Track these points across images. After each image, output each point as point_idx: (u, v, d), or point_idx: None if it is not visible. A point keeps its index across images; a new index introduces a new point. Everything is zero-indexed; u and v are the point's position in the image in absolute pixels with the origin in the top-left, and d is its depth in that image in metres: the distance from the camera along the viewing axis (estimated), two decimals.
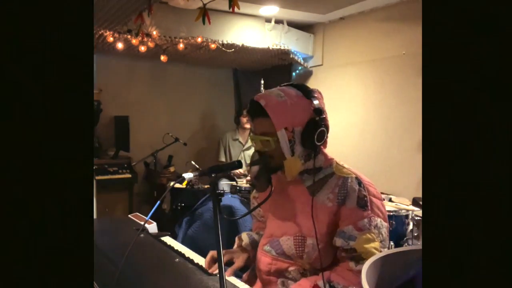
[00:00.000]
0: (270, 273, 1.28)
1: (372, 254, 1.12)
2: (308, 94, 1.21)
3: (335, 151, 1.31)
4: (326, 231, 1.18)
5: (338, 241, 1.16)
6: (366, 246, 1.13)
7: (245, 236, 1.43)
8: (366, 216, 1.15)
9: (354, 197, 1.16)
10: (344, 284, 1.12)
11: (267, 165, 1.22)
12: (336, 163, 1.26)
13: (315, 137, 1.17)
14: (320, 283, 1.12)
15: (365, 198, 1.16)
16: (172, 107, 4.73)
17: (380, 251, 1.14)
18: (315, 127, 1.17)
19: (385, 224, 1.18)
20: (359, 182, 1.19)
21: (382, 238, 1.16)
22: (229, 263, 1.34)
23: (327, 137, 1.22)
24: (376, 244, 1.14)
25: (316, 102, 1.20)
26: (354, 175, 1.20)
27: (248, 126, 3.87)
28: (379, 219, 1.16)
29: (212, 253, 1.31)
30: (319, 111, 1.18)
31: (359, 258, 1.13)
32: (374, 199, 1.18)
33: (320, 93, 1.26)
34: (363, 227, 1.14)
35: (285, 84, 1.28)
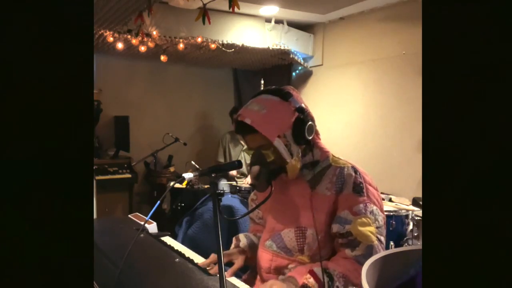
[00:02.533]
0: (270, 270, 1.28)
1: (368, 237, 1.14)
2: (285, 96, 1.22)
3: (335, 151, 1.32)
4: (325, 220, 1.20)
5: (335, 227, 1.18)
6: (361, 229, 1.14)
7: (242, 237, 1.44)
8: (362, 202, 1.17)
9: (350, 184, 1.19)
10: (340, 271, 1.13)
11: (270, 171, 1.24)
12: (332, 155, 1.30)
13: (306, 133, 1.20)
14: (316, 269, 1.13)
15: (361, 185, 1.19)
16: (172, 107, 4.73)
17: (377, 237, 1.15)
18: (302, 125, 1.20)
19: (382, 214, 1.20)
20: (355, 170, 1.23)
21: (378, 225, 1.17)
22: (228, 264, 1.34)
23: (316, 128, 1.26)
24: (371, 228, 1.15)
25: (295, 102, 1.22)
26: (350, 165, 1.24)
27: None
28: (375, 207, 1.19)
29: (213, 256, 1.31)
30: (301, 109, 1.21)
31: (355, 243, 1.14)
32: (370, 187, 1.21)
33: (294, 89, 1.29)
34: (358, 212, 1.16)
35: (258, 92, 1.29)
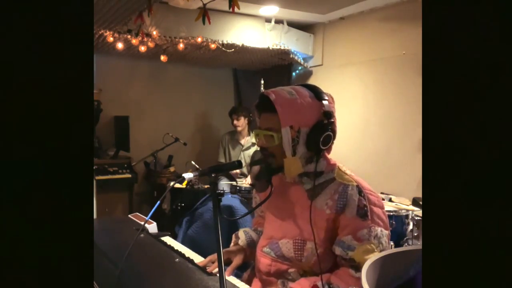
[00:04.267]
0: (270, 274, 1.27)
1: None
2: (320, 96, 1.19)
3: (335, 151, 1.30)
4: (325, 237, 1.17)
5: (337, 250, 1.16)
6: (366, 257, 1.11)
7: (241, 234, 1.43)
8: (366, 226, 1.13)
9: (354, 206, 1.14)
10: (343, 287, 1.11)
11: (268, 165, 1.21)
12: (339, 168, 1.24)
13: (321, 140, 1.15)
14: (319, 284, 1.12)
15: (365, 208, 1.14)
16: (172, 107, 4.73)
17: None
18: (321, 130, 1.15)
19: (386, 232, 1.16)
20: (360, 190, 1.16)
21: (382, 248, 1.14)
22: (227, 263, 1.34)
23: (332, 142, 1.20)
24: (375, 255, 1.13)
25: (326, 104, 1.18)
26: (355, 183, 1.18)
27: (238, 125, 3.86)
28: (379, 229, 1.14)
29: (210, 257, 1.31)
30: (329, 115, 1.16)
31: (359, 267, 1.12)
32: (374, 208, 1.16)
33: (331, 97, 1.24)
34: (362, 238, 1.12)
35: (298, 84, 1.26)
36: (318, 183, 1.21)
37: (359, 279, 1.11)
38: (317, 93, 1.20)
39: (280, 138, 1.17)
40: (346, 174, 1.22)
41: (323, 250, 1.18)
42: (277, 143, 1.18)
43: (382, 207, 1.19)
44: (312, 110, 1.16)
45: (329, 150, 1.24)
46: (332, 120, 1.18)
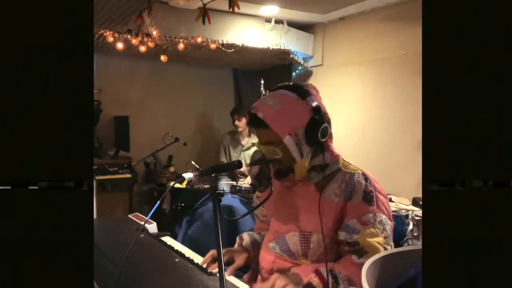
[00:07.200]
0: (273, 272, 1.27)
1: (375, 248, 1.13)
2: (303, 94, 1.20)
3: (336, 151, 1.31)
4: (332, 226, 1.19)
5: (342, 235, 1.17)
6: (370, 240, 1.13)
7: (246, 236, 1.43)
8: (372, 211, 1.15)
9: (360, 192, 1.17)
10: (346, 274, 1.12)
11: (277, 170, 1.23)
12: (343, 159, 1.28)
13: (319, 134, 1.17)
14: (322, 269, 1.12)
15: (371, 194, 1.17)
16: (172, 107, 4.73)
17: (384, 247, 1.15)
18: (316, 125, 1.17)
19: (390, 222, 1.19)
20: (366, 178, 1.20)
21: (386, 235, 1.16)
22: (229, 262, 1.34)
23: (331, 131, 1.23)
24: (379, 239, 1.14)
25: (312, 101, 1.20)
26: (360, 171, 1.22)
27: (239, 125, 3.87)
28: (384, 216, 1.17)
29: (212, 251, 1.31)
30: (317, 110, 1.19)
31: (362, 252, 1.14)
32: (380, 196, 1.19)
33: (315, 88, 1.26)
34: (367, 221, 1.15)
35: (277, 87, 1.27)
36: (326, 175, 1.23)
37: (361, 265, 1.12)
38: (299, 93, 1.21)
39: (282, 148, 1.19)
40: (350, 164, 1.26)
41: (329, 241, 1.19)
42: (282, 154, 1.20)
43: (386, 197, 1.22)
44: (300, 111, 1.18)
45: (331, 139, 1.26)
46: (322, 112, 1.20)
